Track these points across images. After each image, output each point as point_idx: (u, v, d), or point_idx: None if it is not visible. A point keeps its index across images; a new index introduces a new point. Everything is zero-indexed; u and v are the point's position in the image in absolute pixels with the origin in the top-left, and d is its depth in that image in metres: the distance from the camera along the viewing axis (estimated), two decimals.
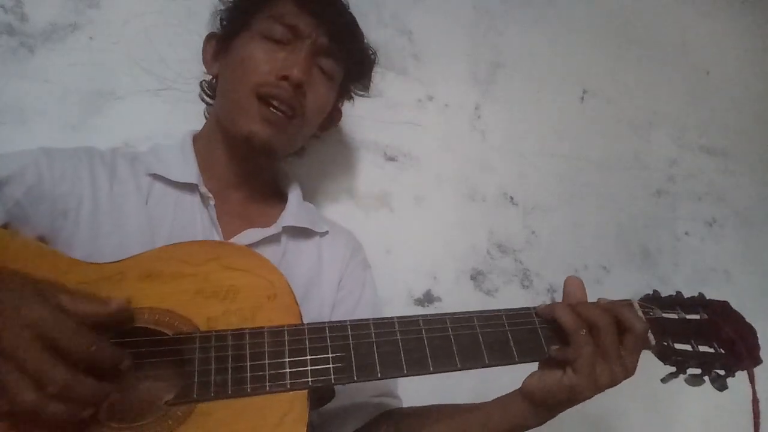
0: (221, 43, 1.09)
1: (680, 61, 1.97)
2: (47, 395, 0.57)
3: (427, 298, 1.43)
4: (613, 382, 0.77)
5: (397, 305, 1.39)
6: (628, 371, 0.78)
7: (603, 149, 1.77)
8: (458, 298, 1.46)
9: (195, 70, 1.30)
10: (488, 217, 1.56)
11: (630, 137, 1.82)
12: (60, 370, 0.57)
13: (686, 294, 0.91)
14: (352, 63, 1.13)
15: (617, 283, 1.66)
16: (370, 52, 1.19)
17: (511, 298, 1.52)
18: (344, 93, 1.20)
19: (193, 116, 1.22)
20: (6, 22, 1.18)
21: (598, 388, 0.76)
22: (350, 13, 1.11)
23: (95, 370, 0.61)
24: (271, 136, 0.99)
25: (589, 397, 0.77)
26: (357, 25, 1.12)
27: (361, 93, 1.24)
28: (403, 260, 1.43)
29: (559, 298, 1.54)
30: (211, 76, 1.14)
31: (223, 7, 1.12)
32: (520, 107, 1.69)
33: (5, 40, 1.18)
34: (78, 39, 1.24)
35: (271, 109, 0.98)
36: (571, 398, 0.77)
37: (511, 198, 1.60)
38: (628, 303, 0.85)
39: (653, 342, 0.82)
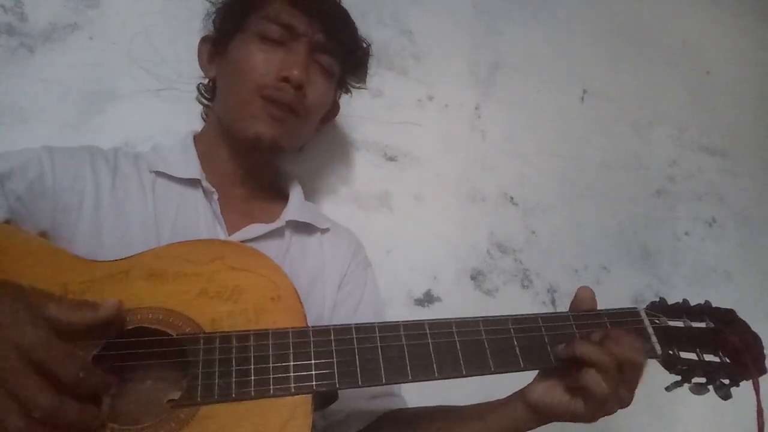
0: (216, 46, 1.09)
1: (680, 61, 1.98)
2: (34, 420, 0.56)
3: (427, 298, 1.43)
4: (609, 414, 0.78)
5: (397, 305, 1.38)
6: (625, 404, 0.79)
7: (603, 149, 1.77)
8: (458, 298, 1.46)
9: (195, 70, 1.29)
10: (488, 217, 1.56)
11: (630, 137, 1.82)
12: (47, 395, 0.56)
13: (689, 296, 0.91)
14: (348, 57, 1.13)
15: (617, 283, 1.66)
16: (364, 43, 1.20)
17: (511, 298, 1.52)
18: (342, 86, 1.21)
19: (193, 116, 1.22)
20: (6, 22, 1.18)
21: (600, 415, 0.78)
22: (342, 7, 1.12)
23: (83, 394, 0.61)
24: (277, 134, 1.00)
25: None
26: (350, 19, 1.13)
27: (358, 85, 1.25)
28: (403, 260, 1.43)
29: (559, 298, 1.56)
30: (208, 79, 1.15)
31: (214, 10, 1.12)
32: (520, 107, 1.69)
33: (5, 40, 1.18)
34: (78, 39, 1.23)
35: (277, 108, 0.99)
36: (570, 420, 0.79)
37: (511, 198, 1.60)
38: (634, 312, 0.85)
39: (659, 351, 0.83)
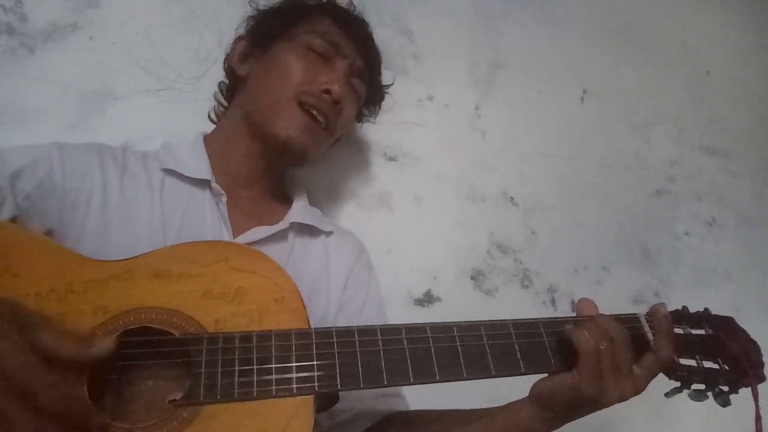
0: (254, 47, 1.14)
1: (680, 61, 1.98)
2: None
3: (427, 298, 1.43)
4: (621, 397, 0.77)
5: (397, 305, 1.38)
6: (638, 389, 0.78)
7: (603, 149, 1.77)
8: (458, 298, 1.46)
9: (195, 70, 1.30)
10: (488, 217, 1.56)
11: (630, 137, 1.82)
12: (25, 420, 0.56)
13: (689, 296, 0.91)
14: (374, 88, 1.24)
15: (617, 283, 1.66)
16: (384, 85, 1.30)
17: (511, 298, 1.52)
18: (358, 115, 1.27)
19: (193, 116, 1.23)
20: (6, 22, 1.18)
21: (603, 395, 0.76)
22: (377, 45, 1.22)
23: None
24: (307, 142, 1.04)
25: (596, 404, 0.78)
26: (380, 55, 1.23)
27: (369, 119, 1.33)
28: (403, 260, 1.43)
29: (559, 297, 1.56)
30: (228, 79, 1.18)
31: (256, 13, 1.18)
32: (520, 107, 1.69)
33: (5, 40, 1.17)
34: (78, 39, 1.23)
35: (311, 118, 1.04)
36: (577, 399, 0.77)
37: (511, 198, 1.60)
38: (635, 318, 0.85)
39: None
